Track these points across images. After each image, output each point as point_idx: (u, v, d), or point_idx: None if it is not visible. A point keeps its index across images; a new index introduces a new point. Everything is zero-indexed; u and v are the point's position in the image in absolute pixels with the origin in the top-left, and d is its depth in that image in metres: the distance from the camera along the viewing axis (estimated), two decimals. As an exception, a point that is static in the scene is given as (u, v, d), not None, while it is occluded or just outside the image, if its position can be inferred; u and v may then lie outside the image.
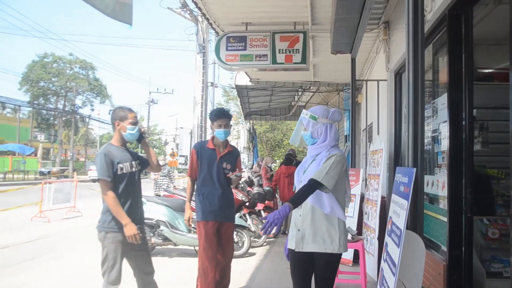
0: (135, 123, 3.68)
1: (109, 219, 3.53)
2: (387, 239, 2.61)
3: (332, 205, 2.85)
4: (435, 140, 4.28)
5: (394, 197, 2.57)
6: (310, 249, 2.86)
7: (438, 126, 4.17)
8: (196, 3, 6.13)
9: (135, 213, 3.64)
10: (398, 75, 6.25)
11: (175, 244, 6.93)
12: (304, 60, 6.64)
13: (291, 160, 9.63)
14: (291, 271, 3.03)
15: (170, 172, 11.66)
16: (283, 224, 8.89)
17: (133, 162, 3.69)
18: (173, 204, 7.04)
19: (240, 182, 9.41)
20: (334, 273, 2.94)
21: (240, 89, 12.50)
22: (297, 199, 2.76)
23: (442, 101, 4.14)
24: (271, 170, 12.53)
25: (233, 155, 4.51)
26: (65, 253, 7.48)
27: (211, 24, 6.99)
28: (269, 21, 6.75)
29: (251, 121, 20.27)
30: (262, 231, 2.64)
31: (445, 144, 3.94)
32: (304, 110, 3.14)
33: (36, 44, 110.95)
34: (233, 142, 24.90)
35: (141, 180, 3.84)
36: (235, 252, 6.90)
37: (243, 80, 11.67)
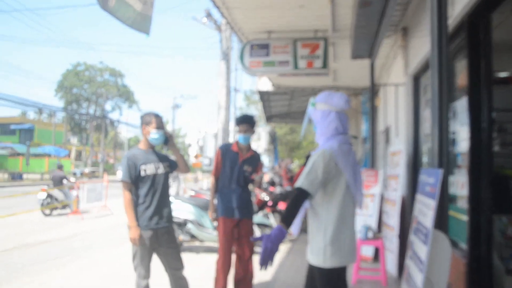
0: (159, 127, 3.70)
1: (137, 217, 3.58)
2: (412, 237, 2.58)
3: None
4: (454, 142, 4.22)
5: (419, 197, 2.55)
6: (309, 259, 2.42)
7: (457, 129, 4.11)
8: (222, 13, 6.18)
9: (161, 212, 3.68)
10: (416, 79, 6.17)
11: (201, 241, 6.99)
12: (325, 65, 6.62)
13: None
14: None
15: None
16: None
17: (159, 164, 3.72)
18: (199, 203, 7.11)
19: (263, 182, 9.44)
20: None
21: (262, 93, 12.53)
22: (287, 216, 2.21)
23: (461, 104, 4.08)
24: (290, 171, 12.51)
25: (254, 159, 4.57)
26: (102, 250, 7.61)
27: (235, 32, 7.03)
28: (291, 29, 6.76)
29: (272, 124, 20.29)
30: (260, 264, 2.14)
31: (464, 146, 3.89)
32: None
33: (68, 53, 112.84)
34: (253, 144, 24.91)
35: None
36: (258, 249, 6.98)
37: (265, 85, 11.72)
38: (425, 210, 2.29)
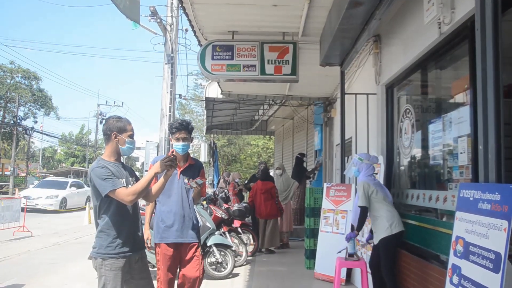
0: (133, 135, 3.32)
1: (106, 243, 3.13)
2: (458, 261, 2.41)
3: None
4: (451, 154, 4.21)
5: (462, 215, 2.40)
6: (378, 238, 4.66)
7: (456, 140, 4.10)
8: (184, 9, 5.83)
9: (135, 237, 3.27)
10: (390, 89, 6.21)
11: (153, 266, 6.46)
12: (294, 71, 6.49)
13: (268, 175, 9.41)
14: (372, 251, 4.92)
15: None
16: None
17: (130, 179, 3.31)
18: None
19: (218, 197, 9.07)
20: None
21: (208, 101, 12.22)
22: (360, 225, 4.77)
23: (459, 115, 4.09)
24: (238, 185, 12.24)
25: (195, 168, 4.18)
26: (30, 281, 6.80)
27: (195, 32, 6.69)
28: (257, 30, 6.56)
29: (212, 135, 19.93)
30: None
31: (464, 159, 3.87)
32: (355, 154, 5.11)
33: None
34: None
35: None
36: (219, 274, 6.61)
37: (213, 92, 11.42)
38: (482, 231, 2.13)
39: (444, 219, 4.25)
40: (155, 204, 4.23)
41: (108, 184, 3.05)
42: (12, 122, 42.21)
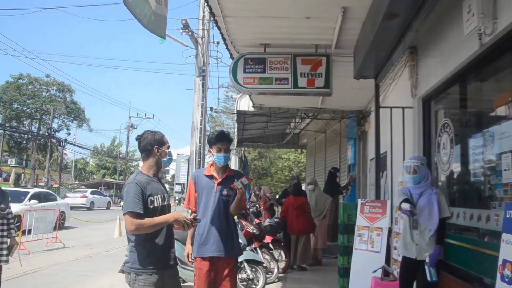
0: (169, 147, 3.44)
1: (140, 258, 3.15)
2: (506, 287, 2.31)
3: None
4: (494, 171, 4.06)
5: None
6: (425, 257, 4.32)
7: (499, 156, 3.96)
8: (216, 21, 5.90)
9: (168, 253, 3.31)
10: (427, 102, 6.09)
11: (184, 281, 6.49)
12: (327, 84, 6.45)
13: (300, 190, 9.34)
14: (406, 274, 4.62)
15: None
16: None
17: (165, 195, 3.37)
18: (181, 237, 6.63)
19: (249, 211, 9.07)
20: None
21: (239, 115, 12.28)
22: (441, 240, 4.47)
23: (501, 129, 3.96)
24: (269, 200, 12.22)
25: (234, 179, 3.96)
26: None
27: (226, 45, 6.76)
28: (289, 43, 6.56)
29: (243, 149, 20.00)
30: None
31: (508, 176, 3.73)
32: (409, 159, 4.82)
33: (12, 63, 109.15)
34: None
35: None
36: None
37: (245, 105, 11.48)
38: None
39: (486, 239, 4.10)
40: None
41: (130, 204, 3.09)
42: (46, 134, 43.59)
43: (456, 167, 5.16)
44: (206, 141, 12.35)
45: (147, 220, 3.09)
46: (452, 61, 4.86)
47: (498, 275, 2.42)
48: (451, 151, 5.16)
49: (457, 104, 5.51)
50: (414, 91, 6.34)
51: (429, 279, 4.25)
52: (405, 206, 4.51)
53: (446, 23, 5.07)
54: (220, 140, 4.07)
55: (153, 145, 3.32)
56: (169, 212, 3.39)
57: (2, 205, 5.08)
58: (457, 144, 5.06)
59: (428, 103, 6.11)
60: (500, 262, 2.41)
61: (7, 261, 5.11)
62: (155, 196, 3.24)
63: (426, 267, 4.31)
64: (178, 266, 6.29)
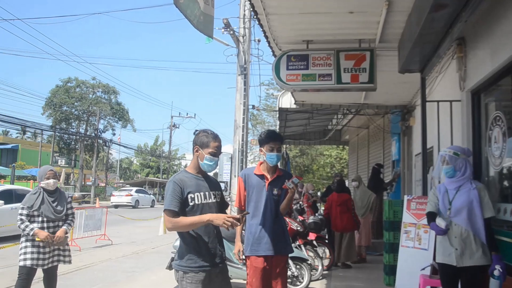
0: (215, 154, 3.35)
1: (187, 256, 3.21)
2: None
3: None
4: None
5: None
6: (468, 263, 3.81)
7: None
8: (259, 20, 5.95)
9: (215, 251, 3.32)
10: (476, 95, 5.91)
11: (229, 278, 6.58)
12: (371, 79, 6.37)
13: (344, 187, 9.26)
14: (447, 286, 4.06)
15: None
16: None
17: (211, 192, 3.38)
18: (226, 234, 6.72)
19: (292, 209, 9.08)
20: None
21: (281, 112, 12.31)
22: (494, 245, 3.84)
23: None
24: (312, 197, 12.18)
25: (283, 178, 4.06)
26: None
27: (269, 42, 6.80)
28: (332, 39, 6.53)
29: (285, 146, 20.01)
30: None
31: None
32: (444, 149, 4.10)
33: (62, 67, 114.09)
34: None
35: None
36: (295, 288, 6.58)
37: (287, 102, 11.49)
38: None
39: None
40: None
41: (167, 201, 3.17)
42: (93, 134, 45.14)
43: (510, 162, 4.98)
44: (248, 140, 12.45)
45: (182, 219, 3.15)
46: (504, 51, 4.70)
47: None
48: (504, 145, 4.98)
49: (510, 96, 5.32)
50: (462, 83, 6.17)
51: None
52: (440, 222, 3.98)
53: (497, 13, 4.90)
54: (272, 139, 4.11)
55: (195, 144, 3.36)
56: (216, 211, 3.37)
57: (59, 207, 5.17)
58: (510, 137, 4.89)
59: (477, 96, 5.92)
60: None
61: (69, 261, 5.33)
62: (196, 194, 3.26)
63: (491, 279, 3.75)
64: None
